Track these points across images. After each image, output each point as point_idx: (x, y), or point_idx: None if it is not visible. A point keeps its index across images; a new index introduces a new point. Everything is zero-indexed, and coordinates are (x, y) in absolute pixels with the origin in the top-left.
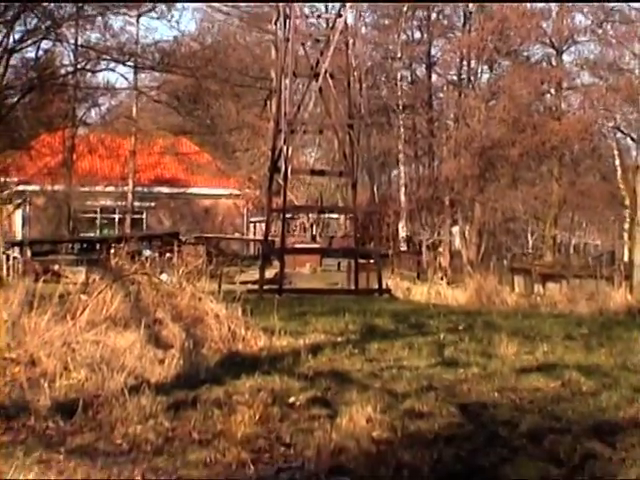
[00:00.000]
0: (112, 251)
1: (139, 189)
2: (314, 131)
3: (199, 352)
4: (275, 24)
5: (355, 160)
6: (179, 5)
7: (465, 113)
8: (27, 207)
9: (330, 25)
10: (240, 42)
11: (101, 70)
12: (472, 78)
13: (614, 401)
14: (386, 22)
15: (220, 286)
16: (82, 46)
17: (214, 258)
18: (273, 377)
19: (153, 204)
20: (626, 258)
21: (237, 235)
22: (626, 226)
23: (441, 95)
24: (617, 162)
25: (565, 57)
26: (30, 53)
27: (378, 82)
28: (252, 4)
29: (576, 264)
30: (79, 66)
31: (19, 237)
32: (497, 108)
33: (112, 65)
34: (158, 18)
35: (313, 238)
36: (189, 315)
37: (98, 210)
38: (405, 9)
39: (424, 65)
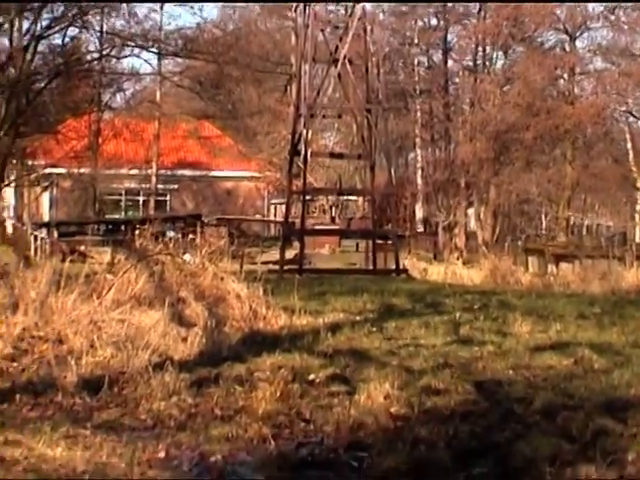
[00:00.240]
0: (137, 232)
1: (163, 172)
2: (333, 115)
3: (221, 330)
4: (295, 11)
5: (373, 143)
6: None
7: (480, 98)
8: (54, 189)
9: (349, 12)
10: (261, 29)
11: (126, 56)
12: (487, 63)
13: (626, 378)
14: (403, 9)
15: (242, 266)
16: (107, 33)
17: (236, 239)
18: (293, 355)
19: (176, 186)
20: (637, 239)
21: (258, 217)
22: (638, 207)
23: (457, 80)
24: (629, 145)
25: (578, 43)
26: (57, 40)
27: (395, 67)
28: None
29: (589, 245)
30: (104, 52)
31: (46, 218)
32: (512, 93)
33: (136, 51)
34: (181, 5)
35: (332, 220)
36: (211, 294)
37: (123, 192)
38: None
39: (440, 51)
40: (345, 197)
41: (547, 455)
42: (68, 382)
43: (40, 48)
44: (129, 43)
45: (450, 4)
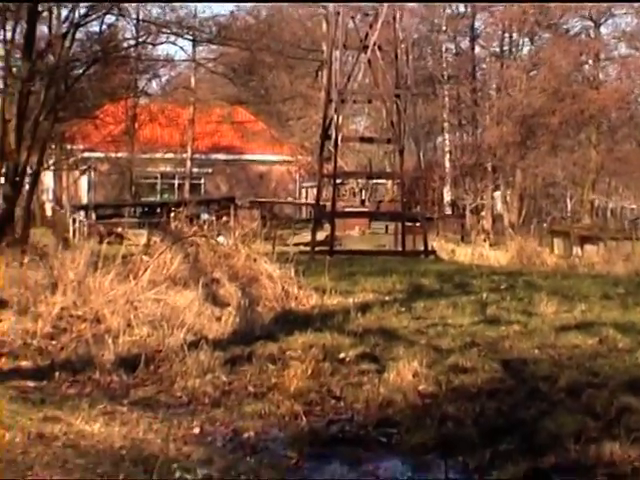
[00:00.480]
0: (172, 215)
1: (197, 156)
2: (363, 101)
3: (254, 310)
4: None
5: (402, 128)
6: None
7: (507, 83)
8: (92, 173)
9: None
10: (293, 16)
11: (161, 43)
12: (514, 50)
13: None
14: None
15: (274, 248)
16: (143, 20)
17: (268, 221)
18: (324, 334)
19: (210, 170)
20: None
21: (290, 199)
22: None
23: (484, 66)
24: None
25: (603, 29)
26: (95, 27)
27: (424, 54)
28: None
29: (613, 227)
30: (140, 39)
31: (84, 201)
32: (538, 78)
33: (172, 38)
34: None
35: (362, 202)
36: (244, 275)
37: (158, 176)
38: None
39: (468, 37)
40: (375, 180)
41: (572, 432)
42: (105, 360)
43: (78, 36)
44: (164, 30)
45: None
